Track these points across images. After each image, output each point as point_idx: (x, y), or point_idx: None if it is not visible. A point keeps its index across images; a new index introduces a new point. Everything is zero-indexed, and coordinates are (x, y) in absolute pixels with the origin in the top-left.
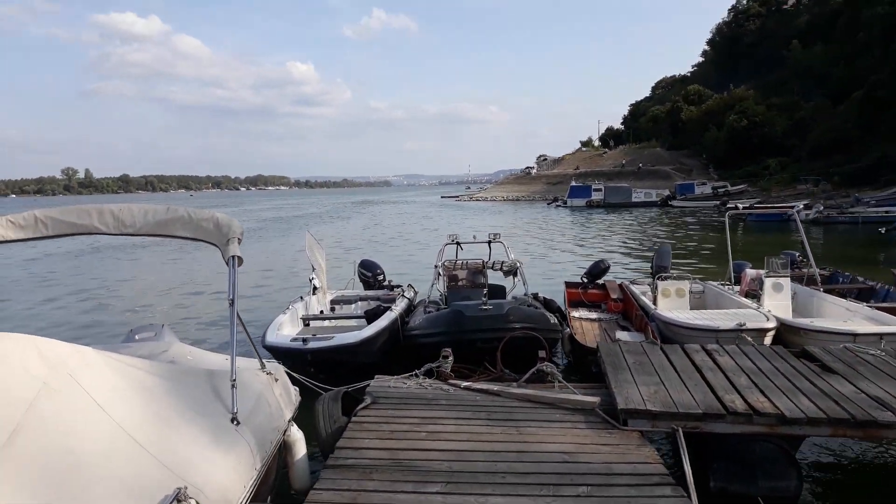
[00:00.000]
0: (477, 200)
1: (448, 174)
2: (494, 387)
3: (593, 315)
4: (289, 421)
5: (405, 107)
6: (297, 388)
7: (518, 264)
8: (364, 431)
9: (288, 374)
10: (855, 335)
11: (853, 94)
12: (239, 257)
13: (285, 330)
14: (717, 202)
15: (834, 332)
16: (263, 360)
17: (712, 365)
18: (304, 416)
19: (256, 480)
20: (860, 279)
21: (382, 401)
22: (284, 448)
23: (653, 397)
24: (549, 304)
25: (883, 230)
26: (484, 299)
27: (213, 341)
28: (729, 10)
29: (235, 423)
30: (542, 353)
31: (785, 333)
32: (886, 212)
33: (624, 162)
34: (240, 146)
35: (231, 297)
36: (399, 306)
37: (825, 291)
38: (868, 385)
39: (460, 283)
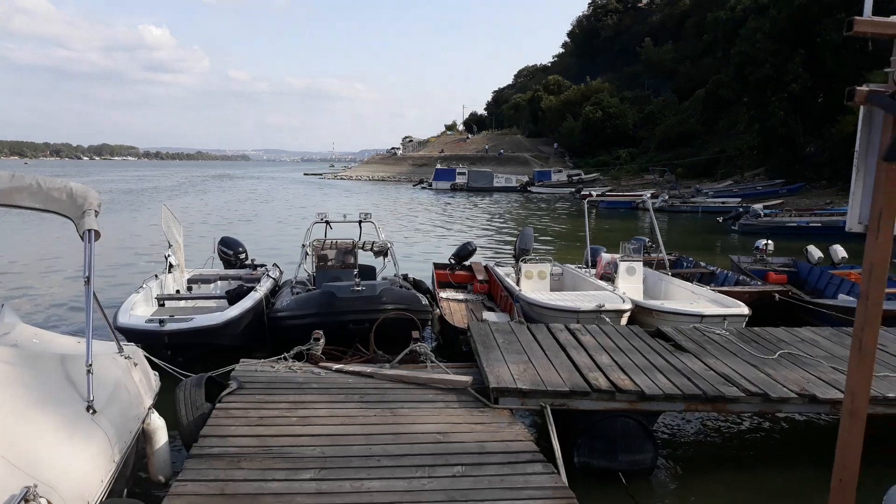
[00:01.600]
0: (342, 179)
1: (311, 151)
2: (367, 368)
3: (460, 296)
4: (149, 408)
5: (268, 79)
6: (157, 374)
7: (389, 245)
8: (230, 418)
9: (147, 358)
10: (702, 316)
11: (697, 91)
12: (96, 231)
13: (139, 310)
14: (573, 189)
15: (683, 313)
16: (122, 344)
17: (576, 344)
18: (164, 403)
19: (115, 473)
20: (702, 264)
21: (249, 386)
22: (144, 437)
23: (522, 376)
24: (418, 286)
25: (721, 220)
26: (356, 280)
27: (63, 324)
28: (589, 3)
29: (91, 412)
30: (415, 334)
31: (639, 314)
32: (723, 202)
33: (487, 147)
34: (84, 112)
35: (87, 274)
36: (264, 286)
37: (672, 275)
38: (716, 362)
39: (330, 263)
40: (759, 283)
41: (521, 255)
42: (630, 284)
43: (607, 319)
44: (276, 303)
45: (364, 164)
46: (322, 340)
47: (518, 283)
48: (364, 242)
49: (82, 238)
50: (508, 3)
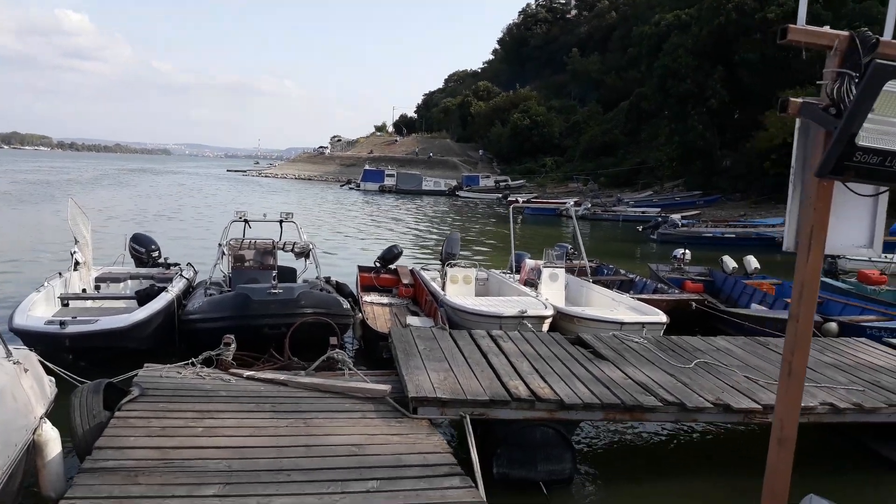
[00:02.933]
0: (267, 177)
1: (236, 147)
2: (281, 376)
3: (385, 300)
4: (41, 417)
5: (194, 71)
6: (53, 379)
7: (311, 246)
8: (129, 428)
9: (41, 363)
10: (621, 323)
11: (622, 103)
12: None
13: (39, 311)
14: (500, 195)
15: (603, 320)
16: (10, 347)
17: (497, 350)
18: (59, 412)
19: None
20: (622, 272)
21: (152, 393)
22: (35, 449)
23: (442, 384)
24: (341, 289)
25: (640, 228)
26: (274, 282)
27: None
28: (519, 12)
29: None
30: (333, 340)
31: (560, 320)
32: (643, 212)
33: (417, 150)
34: None
35: None
36: (176, 287)
37: (593, 282)
38: (634, 371)
39: (247, 264)
40: (676, 291)
41: (446, 259)
42: (552, 291)
43: (529, 325)
44: (188, 304)
45: (290, 162)
46: (233, 346)
47: (443, 287)
48: (284, 243)
49: None
50: (440, 7)
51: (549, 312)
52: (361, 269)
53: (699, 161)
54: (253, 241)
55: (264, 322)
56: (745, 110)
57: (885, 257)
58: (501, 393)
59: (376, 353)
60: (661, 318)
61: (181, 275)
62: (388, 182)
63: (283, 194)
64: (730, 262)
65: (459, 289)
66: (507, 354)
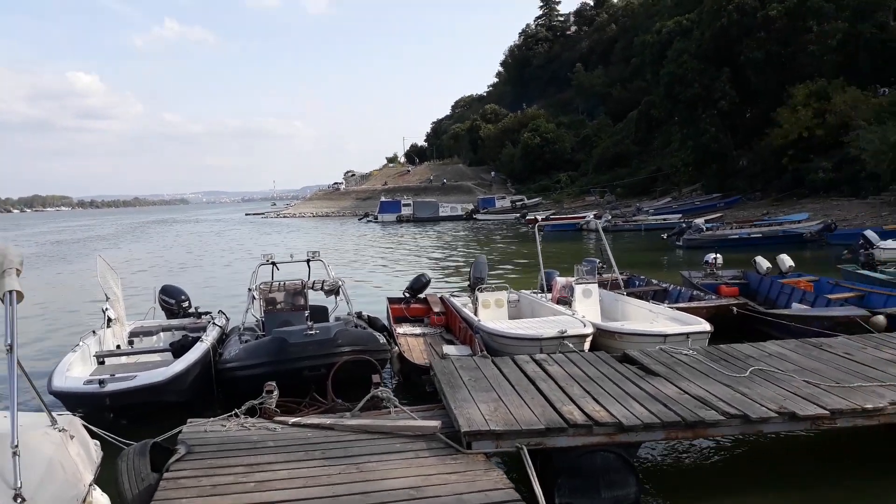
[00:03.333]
0: (285, 217)
1: (252, 190)
2: (327, 420)
3: (417, 330)
4: (90, 484)
5: (204, 121)
6: (98, 442)
7: (340, 283)
8: (180, 489)
9: (85, 426)
10: (665, 336)
11: (630, 113)
12: (18, 292)
13: (76, 371)
14: (518, 214)
15: (646, 333)
16: (54, 414)
17: (544, 375)
18: (106, 475)
19: None
20: (654, 282)
21: (199, 450)
22: None
23: (493, 416)
24: (373, 323)
25: (665, 236)
26: (309, 323)
27: None
28: (519, 33)
29: (20, 500)
30: (375, 378)
31: (600, 338)
32: (664, 219)
33: (431, 178)
34: (12, 163)
35: (9, 341)
36: (210, 336)
37: (627, 295)
38: (689, 385)
39: (279, 307)
40: (713, 297)
41: (475, 283)
42: (587, 307)
43: (570, 345)
44: (223, 353)
45: (307, 201)
46: (276, 392)
47: (476, 312)
48: (314, 282)
49: (2, 300)
50: (442, 35)
51: (590, 330)
52: (391, 300)
53: (714, 164)
54: (282, 283)
55: (304, 364)
56: (755, 109)
57: None
58: (556, 420)
59: (418, 387)
60: (705, 326)
61: (213, 323)
62: (405, 212)
63: (304, 233)
64: (763, 263)
65: (492, 313)
66: (556, 378)
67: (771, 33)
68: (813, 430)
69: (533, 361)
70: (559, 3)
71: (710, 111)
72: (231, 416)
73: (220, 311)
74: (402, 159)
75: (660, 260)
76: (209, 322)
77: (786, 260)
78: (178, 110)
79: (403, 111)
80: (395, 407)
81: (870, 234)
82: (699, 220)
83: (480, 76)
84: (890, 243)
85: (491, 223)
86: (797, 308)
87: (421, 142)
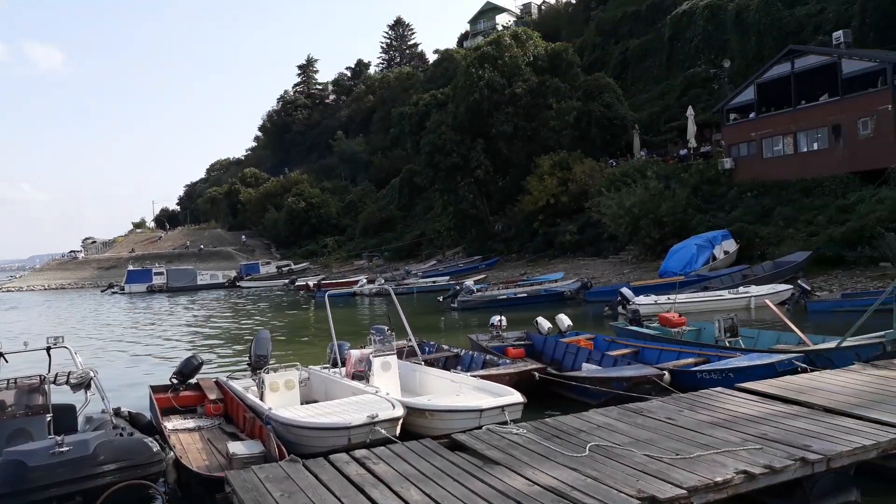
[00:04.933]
0: (9, 291)
1: None
2: None
3: (191, 423)
4: None
5: None
6: None
7: (92, 374)
8: None
9: None
10: (481, 411)
11: (392, 180)
12: None
13: None
14: (287, 281)
15: (461, 409)
16: None
17: (372, 479)
18: None
19: None
20: (445, 347)
21: None
22: None
23: None
24: (136, 420)
25: (441, 298)
26: (55, 437)
27: None
28: (278, 99)
29: None
30: None
31: (409, 416)
32: (434, 281)
33: (188, 243)
34: None
35: None
36: None
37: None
38: (534, 473)
39: (9, 412)
40: (508, 361)
41: (258, 363)
42: (386, 381)
43: (382, 431)
44: None
45: (37, 272)
46: None
47: (263, 398)
48: (56, 375)
49: None
50: (195, 97)
51: (401, 412)
52: (155, 389)
53: (474, 228)
54: (13, 380)
55: (51, 494)
56: (508, 177)
57: (669, 299)
58: None
59: (198, 500)
60: (518, 397)
61: None
62: (158, 281)
63: (34, 311)
64: (545, 323)
65: (283, 397)
66: (387, 482)
67: (518, 109)
68: None
69: (354, 461)
70: (317, 71)
71: (468, 179)
72: None
73: None
74: (152, 224)
75: (437, 323)
76: None
77: (564, 319)
78: None
79: (152, 174)
80: None
81: (626, 291)
82: (469, 282)
83: (237, 140)
84: (642, 299)
85: (257, 290)
86: (591, 369)
87: (173, 206)
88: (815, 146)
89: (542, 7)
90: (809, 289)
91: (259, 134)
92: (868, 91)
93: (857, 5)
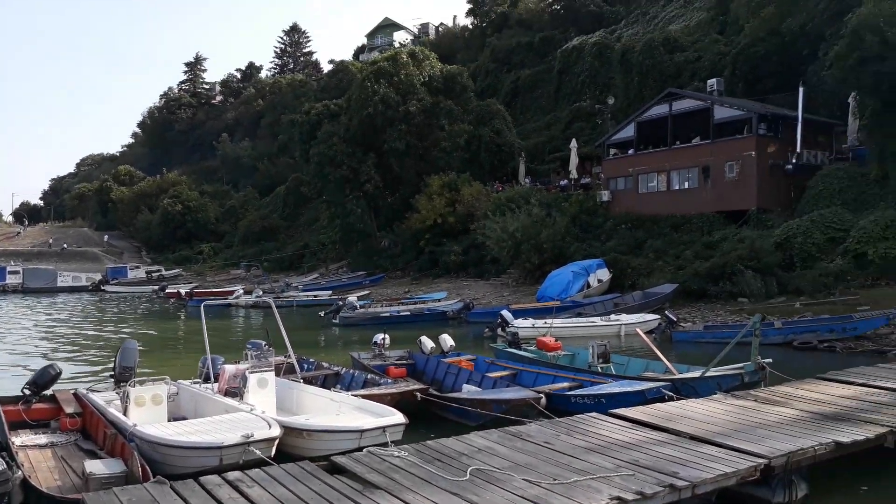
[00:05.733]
0: None
1: None
2: None
3: (43, 439)
4: None
5: None
6: None
7: None
8: None
9: None
10: (362, 432)
11: (278, 188)
12: None
13: None
14: (156, 287)
15: (340, 430)
16: None
17: None
18: None
19: None
20: (325, 364)
21: None
22: None
23: None
24: None
25: (322, 314)
26: None
27: None
28: (161, 95)
29: None
30: None
31: (286, 436)
32: (315, 296)
33: (51, 241)
34: None
35: None
36: None
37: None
38: (415, 498)
39: None
40: (390, 381)
41: (123, 375)
42: (262, 399)
43: (257, 451)
44: None
45: None
46: None
47: (126, 412)
48: None
49: None
50: (67, 85)
51: (277, 432)
52: (2, 400)
53: (360, 242)
54: None
55: None
56: (398, 193)
57: (546, 323)
58: None
59: None
60: (400, 418)
61: None
62: (12, 280)
63: None
64: (428, 343)
65: (149, 412)
66: None
67: (411, 126)
68: None
69: (226, 483)
70: (206, 70)
71: (358, 192)
72: None
73: None
74: (10, 219)
75: (316, 339)
76: None
77: (447, 339)
78: None
79: (13, 164)
80: None
81: (506, 313)
82: (352, 298)
83: (114, 135)
84: (521, 322)
85: (124, 296)
86: (471, 390)
87: (35, 200)
88: (687, 185)
89: (440, 29)
90: (675, 319)
91: (138, 130)
92: (735, 137)
93: (729, 57)
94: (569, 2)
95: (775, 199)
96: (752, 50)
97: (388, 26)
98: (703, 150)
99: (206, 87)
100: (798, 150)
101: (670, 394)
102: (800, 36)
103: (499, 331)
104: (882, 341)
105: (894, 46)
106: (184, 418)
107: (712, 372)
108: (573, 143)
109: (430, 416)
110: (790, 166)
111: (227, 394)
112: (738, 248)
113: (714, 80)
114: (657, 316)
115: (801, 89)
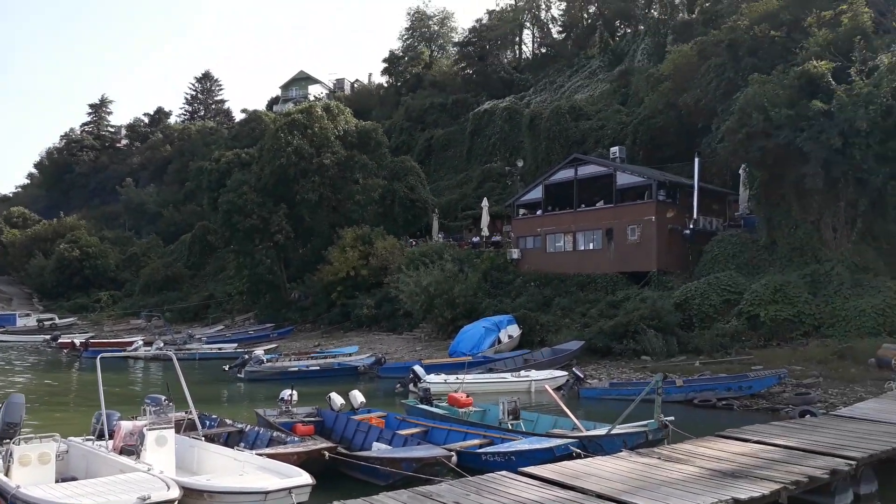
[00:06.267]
0: None
1: None
2: None
3: None
4: None
5: None
6: None
7: None
8: None
9: None
10: (266, 493)
11: (183, 236)
12: None
13: None
14: (48, 336)
15: (243, 492)
16: None
17: None
18: None
19: None
20: (228, 421)
21: None
22: None
23: None
24: None
25: (227, 368)
26: None
27: None
28: (61, 136)
29: None
30: None
31: (186, 498)
32: (220, 348)
33: None
34: None
35: None
36: None
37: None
38: None
39: None
40: (297, 439)
41: (7, 432)
42: (160, 457)
43: None
44: None
45: None
46: None
47: (8, 473)
48: None
49: None
50: None
51: (176, 493)
52: None
53: (269, 293)
54: None
55: None
56: (309, 245)
57: (457, 378)
58: None
59: None
60: (307, 478)
61: None
62: None
63: None
64: (338, 399)
65: (34, 473)
66: None
67: (325, 179)
68: None
69: None
70: (111, 113)
71: (267, 243)
72: None
73: None
74: None
75: (219, 394)
76: None
77: (357, 396)
78: None
79: None
80: None
81: (418, 368)
82: (259, 351)
83: (6, 175)
84: (433, 377)
85: (12, 345)
86: (382, 448)
87: None
88: (591, 246)
89: (355, 85)
90: (582, 376)
91: (34, 171)
92: (637, 202)
93: (630, 126)
94: (481, 67)
95: (674, 262)
96: (651, 121)
97: (303, 79)
98: (606, 214)
99: (111, 129)
100: (695, 216)
101: (578, 451)
102: (694, 110)
103: (411, 386)
104: (774, 399)
105: (778, 124)
106: (74, 479)
107: (618, 429)
108: (485, 202)
109: (338, 476)
110: (688, 231)
111: (122, 452)
112: (640, 308)
113: (616, 147)
114: (565, 373)
115: (696, 159)
